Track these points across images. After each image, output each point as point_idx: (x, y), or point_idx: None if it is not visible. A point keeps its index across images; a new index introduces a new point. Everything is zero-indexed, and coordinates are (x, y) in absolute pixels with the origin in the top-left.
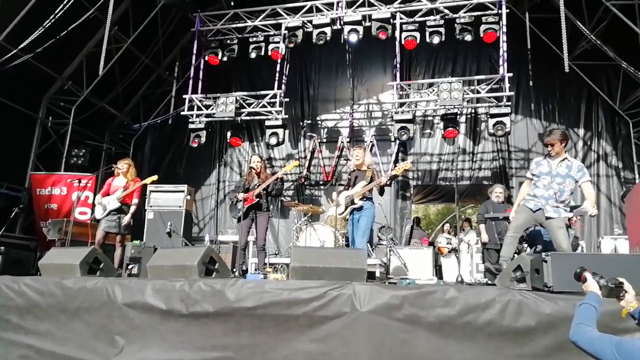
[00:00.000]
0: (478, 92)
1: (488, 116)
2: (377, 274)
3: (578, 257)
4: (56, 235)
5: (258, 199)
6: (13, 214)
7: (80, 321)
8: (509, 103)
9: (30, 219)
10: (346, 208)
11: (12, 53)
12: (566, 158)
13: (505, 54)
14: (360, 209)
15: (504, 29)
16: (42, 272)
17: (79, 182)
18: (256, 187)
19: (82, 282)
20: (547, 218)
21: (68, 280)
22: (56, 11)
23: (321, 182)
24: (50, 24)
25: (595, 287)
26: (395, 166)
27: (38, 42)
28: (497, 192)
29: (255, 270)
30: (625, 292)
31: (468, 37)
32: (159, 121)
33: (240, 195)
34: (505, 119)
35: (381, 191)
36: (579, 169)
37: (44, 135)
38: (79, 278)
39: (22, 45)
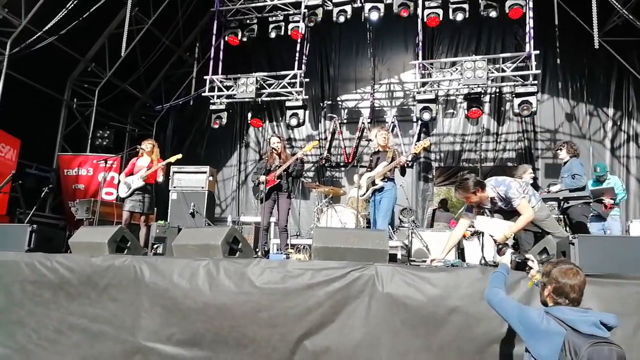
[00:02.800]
0: (503, 70)
1: (513, 95)
2: (399, 256)
3: (606, 239)
4: (84, 215)
5: (279, 180)
6: (43, 194)
7: (109, 298)
8: (535, 82)
9: (59, 198)
10: (367, 189)
11: (37, 35)
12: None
13: (532, 31)
14: (381, 190)
15: (531, 4)
16: (72, 250)
17: (105, 162)
18: (277, 168)
19: (111, 260)
20: None
21: (97, 258)
22: None
23: (342, 164)
24: (73, 5)
25: (507, 260)
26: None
27: (61, 24)
28: (531, 173)
29: (278, 250)
30: (530, 267)
31: (493, 14)
32: (180, 102)
33: (262, 178)
34: (531, 98)
35: (402, 171)
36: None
37: (70, 117)
38: (107, 256)
39: (46, 28)
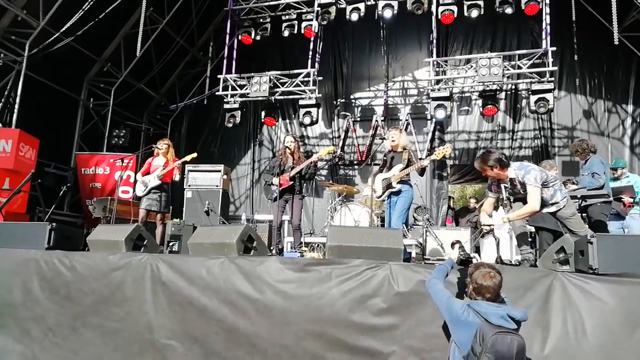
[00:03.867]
0: (519, 67)
1: (529, 92)
2: (413, 255)
3: (626, 238)
4: (101, 213)
5: (292, 182)
6: (61, 192)
7: (125, 295)
8: (552, 78)
9: (76, 197)
10: (383, 192)
11: (54, 36)
12: (511, 178)
13: (549, 27)
14: (398, 192)
15: (547, 0)
16: (90, 248)
17: (122, 161)
18: (290, 169)
19: (128, 258)
20: None
21: (114, 256)
22: None
23: (355, 162)
24: (89, 7)
25: (454, 255)
26: (432, 147)
27: (78, 25)
28: (556, 170)
29: (292, 249)
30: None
31: (508, 10)
32: (194, 101)
33: (275, 180)
34: (548, 95)
35: (422, 172)
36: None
37: (86, 116)
38: (124, 254)
39: (63, 29)
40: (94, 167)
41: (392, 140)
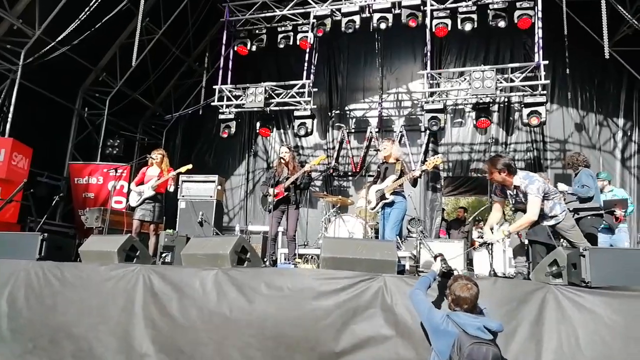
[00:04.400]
0: (512, 80)
1: (522, 105)
2: (407, 267)
3: (617, 252)
4: (94, 223)
5: (287, 193)
6: (53, 202)
7: (116, 307)
8: (545, 92)
9: (69, 207)
10: (377, 203)
11: (50, 46)
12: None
13: (541, 41)
14: (391, 204)
15: (540, 14)
16: (82, 259)
17: (115, 171)
18: (285, 179)
19: (120, 269)
20: None
21: (106, 267)
22: (91, 4)
23: (350, 173)
24: (85, 16)
25: (437, 268)
26: (425, 158)
27: (74, 34)
28: (549, 182)
29: (286, 260)
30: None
31: (501, 24)
32: (189, 112)
33: (271, 190)
34: (541, 109)
35: (414, 182)
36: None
37: (81, 125)
38: (116, 264)
39: (59, 38)
40: (87, 177)
41: (384, 149)
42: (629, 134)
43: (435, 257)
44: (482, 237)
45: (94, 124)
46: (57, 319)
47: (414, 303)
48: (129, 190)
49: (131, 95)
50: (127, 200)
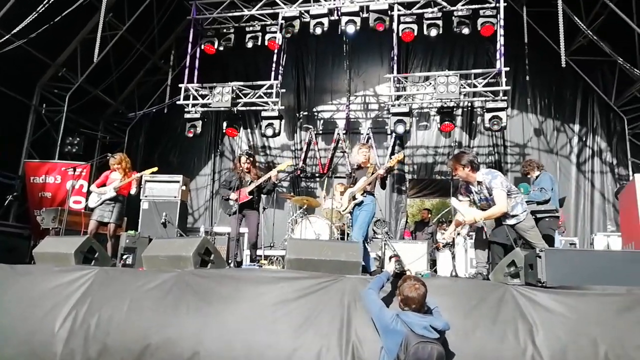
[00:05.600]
0: (475, 86)
1: (484, 110)
2: (373, 268)
3: (572, 253)
4: (50, 224)
5: (251, 197)
6: (7, 202)
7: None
8: (505, 97)
9: (24, 207)
10: (349, 204)
11: (5, 38)
12: (479, 181)
13: (502, 48)
14: (360, 204)
15: (502, 22)
16: (36, 261)
17: (74, 170)
18: (248, 183)
19: (77, 271)
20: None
21: (61, 269)
22: None
23: (317, 174)
24: (44, 8)
25: (391, 269)
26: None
27: (32, 27)
28: None
29: (251, 261)
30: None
31: (465, 30)
32: (154, 110)
33: (233, 195)
34: (502, 114)
35: (382, 184)
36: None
37: (38, 122)
38: (74, 267)
39: (15, 31)
40: (44, 176)
41: (363, 155)
42: (584, 139)
43: (390, 258)
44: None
45: (52, 121)
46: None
47: (366, 302)
48: (89, 191)
49: (92, 92)
50: (87, 201)
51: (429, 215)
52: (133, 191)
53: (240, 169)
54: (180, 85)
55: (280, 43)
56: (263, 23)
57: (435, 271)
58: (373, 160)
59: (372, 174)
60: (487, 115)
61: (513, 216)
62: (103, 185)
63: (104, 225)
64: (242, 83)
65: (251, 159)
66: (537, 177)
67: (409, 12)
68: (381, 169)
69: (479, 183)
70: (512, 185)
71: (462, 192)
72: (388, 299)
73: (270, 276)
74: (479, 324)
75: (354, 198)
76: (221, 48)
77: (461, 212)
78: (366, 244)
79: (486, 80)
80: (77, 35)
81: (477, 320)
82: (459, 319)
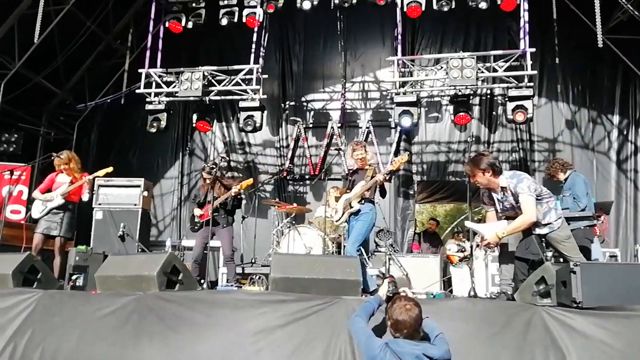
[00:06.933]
0: (495, 70)
1: (506, 99)
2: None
3: (612, 267)
4: None
5: (215, 215)
6: None
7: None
8: (531, 84)
9: None
10: (344, 212)
11: None
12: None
13: (527, 26)
14: (357, 213)
15: None
16: None
17: (11, 173)
18: (213, 199)
19: (14, 297)
20: None
21: None
22: None
23: (307, 176)
24: None
25: (383, 292)
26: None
27: None
28: None
29: (227, 282)
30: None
31: (483, 5)
32: (108, 101)
33: (197, 212)
34: (527, 103)
35: (382, 192)
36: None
37: None
38: (10, 290)
39: None
40: None
41: (359, 156)
42: (625, 132)
43: (384, 279)
44: (462, 251)
45: None
46: None
47: (352, 332)
48: (32, 199)
49: (33, 79)
50: (28, 211)
51: (436, 228)
52: (85, 197)
53: (203, 180)
54: (140, 70)
55: (261, 20)
56: None
57: (451, 291)
58: (373, 161)
59: (372, 177)
60: (510, 105)
61: (545, 224)
62: (48, 190)
63: (51, 239)
64: (215, 68)
65: (213, 171)
66: (565, 179)
67: None
68: (380, 174)
69: (503, 189)
70: (543, 187)
71: (485, 201)
72: (381, 328)
73: (251, 299)
74: (502, 354)
75: (349, 206)
76: (190, 26)
77: (480, 232)
78: (364, 259)
79: (508, 64)
80: (13, 10)
81: (499, 350)
82: (478, 348)
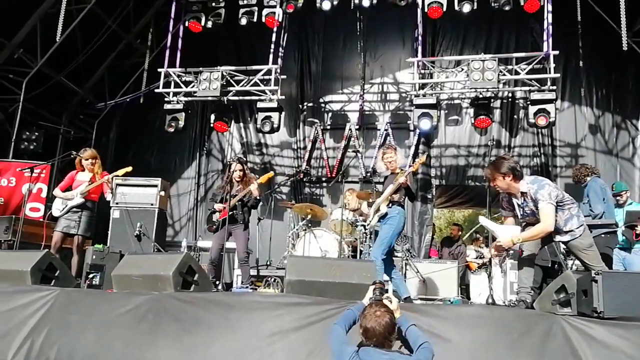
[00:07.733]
0: (517, 72)
1: (528, 102)
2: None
3: (635, 276)
4: (2, 236)
5: (233, 212)
6: None
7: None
8: (554, 87)
9: None
10: (374, 217)
11: None
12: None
13: (551, 28)
14: (384, 216)
15: None
16: None
17: (31, 171)
18: (231, 197)
19: (34, 293)
20: None
21: (16, 289)
22: None
23: (324, 179)
24: None
25: (366, 299)
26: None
27: None
28: None
29: (242, 284)
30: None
31: (506, 6)
32: (127, 100)
33: (217, 206)
34: (549, 106)
35: (410, 195)
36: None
37: None
38: (30, 287)
39: None
40: None
41: (390, 162)
42: None
43: (371, 285)
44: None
45: (6, 112)
46: None
47: (329, 339)
48: (52, 196)
49: (55, 78)
50: (47, 208)
51: (460, 233)
52: (109, 197)
53: (230, 176)
54: (159, 70)
55: (280, 20)
56: None
57: (468, 297)
58: (402, 164)
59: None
60: (532, 109)
61: (567, 232)
62: (69, 188)
63: (70, 237)
64: (234, 68)
65: (244, 168)
66: (584, 186)
67: None
68: (402, 176)
69: (523, 194)
70: (565, 194)
71: (504, 206)
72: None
73: (267, 301)
74: None
75: (378, 209)
76: (209, 25)
77: (494, 232)
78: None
79: (531, 66)
80: (36, 10)
81: (518, 358)
82: (496, 356)
